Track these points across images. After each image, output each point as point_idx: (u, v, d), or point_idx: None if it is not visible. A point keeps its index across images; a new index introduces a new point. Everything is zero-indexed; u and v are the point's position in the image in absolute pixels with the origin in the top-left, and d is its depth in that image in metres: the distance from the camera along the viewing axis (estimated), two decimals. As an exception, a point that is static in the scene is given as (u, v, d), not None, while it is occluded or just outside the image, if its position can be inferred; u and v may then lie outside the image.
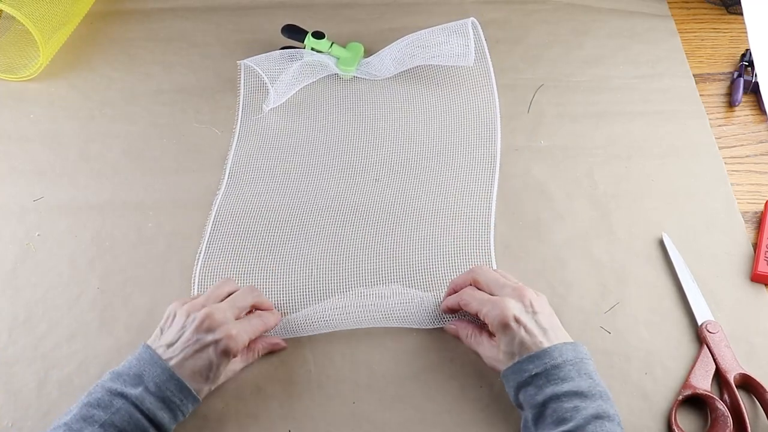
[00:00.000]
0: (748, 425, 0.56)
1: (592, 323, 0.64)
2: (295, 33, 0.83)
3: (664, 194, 0.73)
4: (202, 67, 0.84)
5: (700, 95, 0.82)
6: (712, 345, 0.61)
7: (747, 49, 0.85)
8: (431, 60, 0.79)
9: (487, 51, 0.82)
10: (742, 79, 0.81)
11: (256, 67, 0.78)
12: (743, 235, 0.70)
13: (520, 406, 0.55)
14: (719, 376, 0.60)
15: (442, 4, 0.92)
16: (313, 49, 0.81)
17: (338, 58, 0.81)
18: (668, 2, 0.92)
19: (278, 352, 0.62)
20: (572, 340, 0.55)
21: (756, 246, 0.69)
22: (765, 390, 0.58)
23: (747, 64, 0.83)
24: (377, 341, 0.63)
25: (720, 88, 0.83)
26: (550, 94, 0.82)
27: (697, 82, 0.83)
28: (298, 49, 0.81)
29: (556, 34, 0.88)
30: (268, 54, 0.80)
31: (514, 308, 0.55)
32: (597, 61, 0.85)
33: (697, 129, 0.78)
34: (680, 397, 0.59)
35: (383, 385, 0.60)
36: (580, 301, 0.65)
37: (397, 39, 0.87)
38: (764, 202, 0.72)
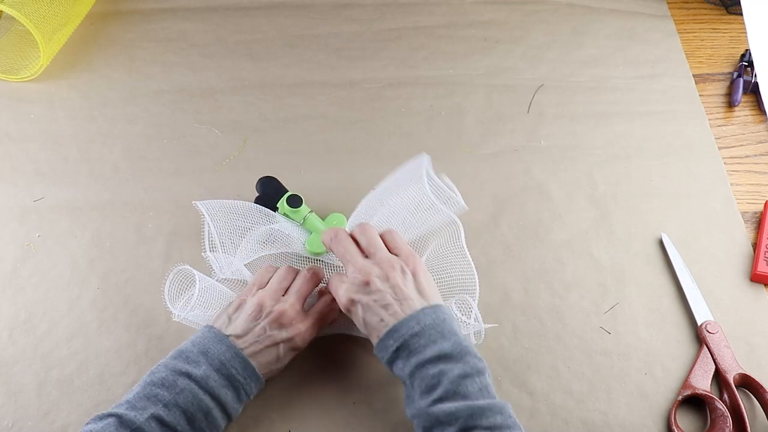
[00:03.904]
0: (748, 425, 0.56)
1: (592, 323, 0.64)
2: (269, 194, 0.69)
3: (663, 194, 0.73)
4: (202, 67, 0.84)
5: (700, 95, 0.82)
6: (711, 345, 0.61)
7: (747, 49, 0.85)
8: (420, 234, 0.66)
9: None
10: (741, 80, 0.81)
11: (211, 225, 0.63)
12: (743, 235, 0.70)
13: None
14: (719, 376, 0.60)
15: (442, 4, 0.92)
16: (286, 215, 0.68)
17: (310, 233, 0.67)
18: (668, 2, 0.92)
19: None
20: (435, 303, 0.54)
21: (756, 246, 0.69)
22: (764, 390, 0.58)
23: (747, 64, 0.83)
24: (377, 341, 0.63)
25: (720, 88, 0.83)
26: (550, 94, 0.82)
27: (696, 83, 0.83)
28: (267, 210, 0.67)
29: (556, 34, 0.88)
30: (231, 204, 0.66)
31: (348, 292, 0.55)
32: (597, 62, 0.85)
33: (697, 129, 0.79)
34: (680, 397, 0.59)
35: (383, 385, 0.60)
36: (579, 301, 0.65)
37: (396, 39, 0.87)
38: (764, 202, 0.72)
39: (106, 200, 0.72)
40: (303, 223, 0.68)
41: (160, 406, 0.50)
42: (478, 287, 0.61)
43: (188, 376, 0.51)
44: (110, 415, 0.49)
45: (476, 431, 0.47)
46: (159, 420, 0.49)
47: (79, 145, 0.76)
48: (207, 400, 0.51)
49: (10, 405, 0.59)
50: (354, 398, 0.60)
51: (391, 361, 0.53)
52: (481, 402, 0.49)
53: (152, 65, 0.84)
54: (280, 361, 0.56)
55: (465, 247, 0.64)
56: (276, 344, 0.55)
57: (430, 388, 0.50)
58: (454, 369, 0.50)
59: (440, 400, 0.49)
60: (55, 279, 0.66)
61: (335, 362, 0.61)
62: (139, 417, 0.49)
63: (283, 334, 0.56)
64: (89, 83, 0.82)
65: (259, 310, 0.56)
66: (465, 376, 0.50)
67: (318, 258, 0.67)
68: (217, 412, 0.52)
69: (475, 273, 0.62)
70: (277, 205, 0.68)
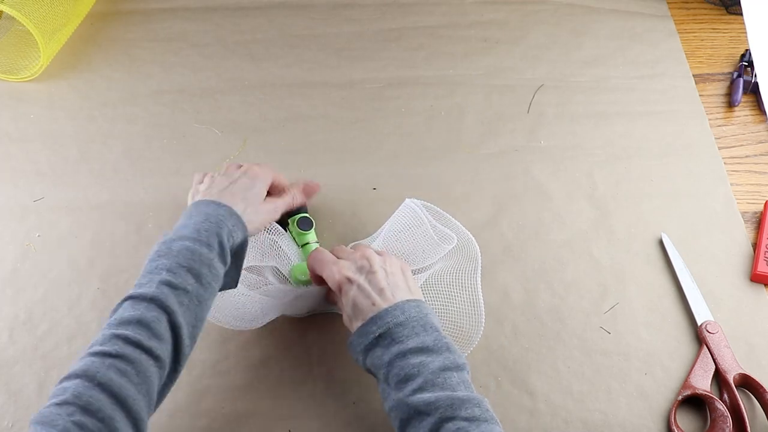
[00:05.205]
0: (748, 425, 0.56)
1: (592, 323, 0.64)
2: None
3: (663, 194, 0.73)
4: (202, 67, 0.84)
5: (700, 95, 0.82)
6: (711, 345, 0.61)
7: (747, 49, 0.85)
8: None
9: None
10: (741, 80, 0.81)
11: None
12: (743, 235, 0.70)
13: (370, 372, 0.54)
14: (719, 376, 0.60)
15: (442, 4, 0.92)
16: (291, 233, 0.67)
17: (302, 261, 0.65)
18: (668, 2, 0.92)
19: (282, 351, 0.62)
20: (417, 298, 0.55)
21: (756, 246, 0.69)
22: (764, 390, 0.58)
23: (746, 64, 0.83)
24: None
25: (720, 88, 0.83)
26: (550, 94, 0.82)
27: (696, 83, 0.83)
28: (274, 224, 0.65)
29: (556, 34, 0.88)
30: None
31: (347, 269, 0.56)
32: (597, 62, 0.85)
33: (697, 129, 0.79)
34: (680, 397, 0.59)
35: (383, 385, 0.60)
36: (579, 301, 0.65)
37: (396, 39, 0.87)
38: (764, 202, 0.72)
39: (106, 200, 0.72)
40: (301, 248, 0.66)
41: (165, 272, 0.51)
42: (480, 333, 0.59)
43: (179, 238, 0.53)
44: (124, 299, 0.50)
45: (455, 421, 0.47)
46: (168, 284, 0.50)
47: (79, 145, 0.76)
48: (204, 251, 0.52)
49: (10, 405, 0.59)
50: (354, 398, 0.60)
51: (369, 349, 0.53)
52: (461, 393, 0.49)
53: (152, 65, 0.84)
54: (251, 187, 0.61)
55: (479, 287, 0.62)
56: (237, 179, 0.61)
57: (408, 378, 0.50)
58: (434, 361, 0.50)
59: (419, 390, 0.49)
60: (55, 279, 0.66)
61: (335, 362, 0.61)
62: (149, 289, 0.50)
63: (239, 172, 0.63)
64: (89, 83, 0.82)
65: (211, 176, 0.64)
66: (445, 369, 0.50)
67: (299, 288, 0.64)
68: (216, 262, 0.53)
69: (482, 320, 0.60)
70: (288, 220, 0.67)
